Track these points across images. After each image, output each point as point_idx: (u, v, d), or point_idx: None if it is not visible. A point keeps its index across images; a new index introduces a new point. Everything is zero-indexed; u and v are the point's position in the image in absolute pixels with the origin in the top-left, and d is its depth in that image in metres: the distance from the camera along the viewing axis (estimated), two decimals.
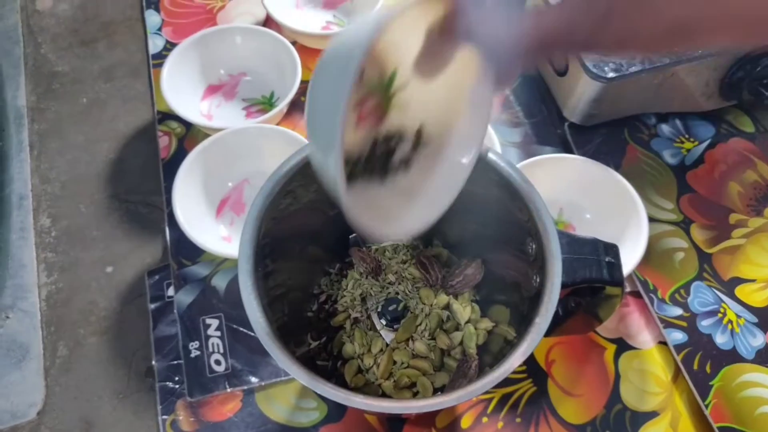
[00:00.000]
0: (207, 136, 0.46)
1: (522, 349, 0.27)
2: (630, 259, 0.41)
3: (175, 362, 0.41)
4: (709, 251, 0.45)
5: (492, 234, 0.36)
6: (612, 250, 0.30)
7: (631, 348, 0.42)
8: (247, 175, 0.47)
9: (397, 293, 0.38)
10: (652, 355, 0.42)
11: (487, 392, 0.37)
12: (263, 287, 0.29)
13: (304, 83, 0.52)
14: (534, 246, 0.30)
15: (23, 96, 0.53)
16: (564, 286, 0.28)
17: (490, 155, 0.31)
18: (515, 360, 0.26)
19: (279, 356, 0.26)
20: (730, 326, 0.42)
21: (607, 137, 0.48)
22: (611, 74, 0.42)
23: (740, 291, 0.43)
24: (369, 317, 0.38)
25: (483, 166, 0.31)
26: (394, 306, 0.37)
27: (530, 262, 0.31)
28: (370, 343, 0.37)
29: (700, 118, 0.50)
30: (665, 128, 0.50)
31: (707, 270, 0.44)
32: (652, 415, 0.40)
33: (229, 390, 0.40)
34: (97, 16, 0.57)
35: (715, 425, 0.38)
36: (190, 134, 0.50)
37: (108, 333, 0.43)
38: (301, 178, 0.31)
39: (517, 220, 0.31)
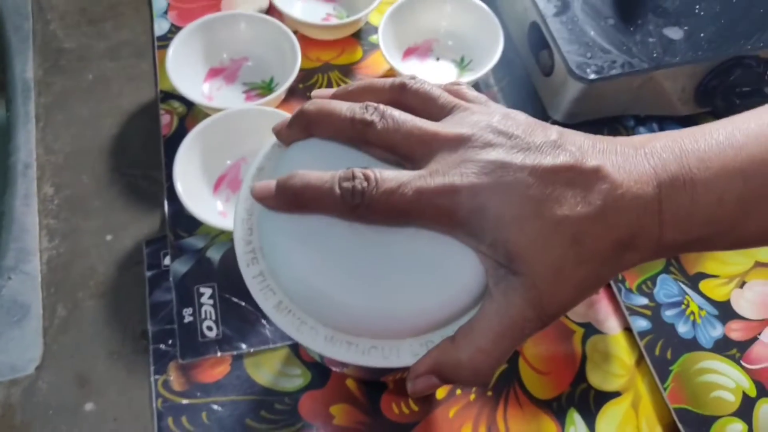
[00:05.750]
0: (207, 116, 0.48)
1: None
2: None
3: (169, 327, 0.43)
4: None
5: None
6: None
7: (599, 332, 0.45)
8: (244, 154, 0.49)
9: None
10: (618, 340, 0.44)
11: None
12: None
13: (303, 71, 0.54)
14: None
15: (31, 69, 0.55)
16: None
17: None
18: None
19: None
20: (692, 317, 0.45)
21: None
22: (593, 75, 0.45)
23: (704, 285, 0.46)
24: None
25: None
26: None
27: None
28: None
29: (676, 122, 0.53)
30: (642, 131, 0.52)
31: (674, 264, 0.47)
32: (614, 394, 0.42)
33: (219, 355, 0.42)
34: None
35: (671, 406, 0.41)
36: (191, 114, 0.52)
37: (105, 297, 0.45)
38: None
39: None
